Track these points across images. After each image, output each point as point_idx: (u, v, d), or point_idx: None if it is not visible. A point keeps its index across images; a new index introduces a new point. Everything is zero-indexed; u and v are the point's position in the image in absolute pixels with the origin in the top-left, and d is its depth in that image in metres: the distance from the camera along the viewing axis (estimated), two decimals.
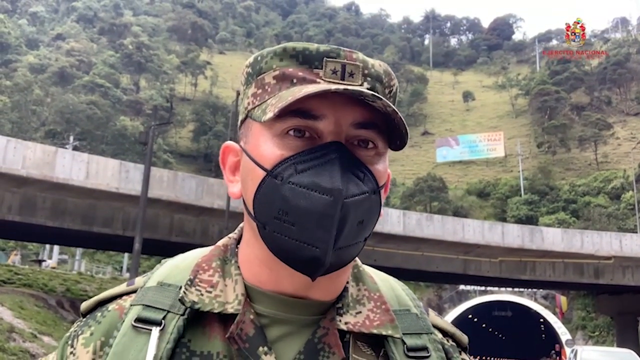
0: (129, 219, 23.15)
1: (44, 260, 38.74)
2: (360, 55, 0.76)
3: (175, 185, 23.71)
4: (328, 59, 0.74)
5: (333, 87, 0.69)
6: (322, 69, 0.74)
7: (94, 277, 29.18)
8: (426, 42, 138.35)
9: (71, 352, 0.78)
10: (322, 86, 0.70)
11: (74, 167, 21.43)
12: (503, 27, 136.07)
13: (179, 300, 0.76)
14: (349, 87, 0.69)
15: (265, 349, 0.73)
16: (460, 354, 0.86)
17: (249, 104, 0.78)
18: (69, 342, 0.80)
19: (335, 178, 0.69)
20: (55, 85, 71.06)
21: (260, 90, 0.77)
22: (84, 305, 0.83)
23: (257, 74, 0.78)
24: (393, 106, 0.71)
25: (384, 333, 0.76)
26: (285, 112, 0.71)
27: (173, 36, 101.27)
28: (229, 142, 0.83)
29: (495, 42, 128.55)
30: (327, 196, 0.68)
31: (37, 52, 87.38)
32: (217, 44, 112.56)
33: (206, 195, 24.11)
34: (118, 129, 62.36)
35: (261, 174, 0.73)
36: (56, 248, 42.36)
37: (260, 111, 0.75)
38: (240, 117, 0.82)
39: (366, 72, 0.75)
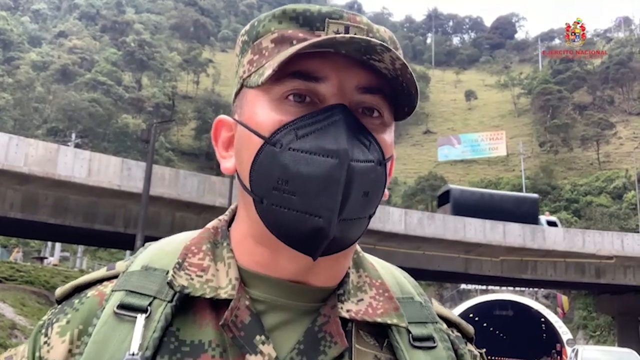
0: (130, 216, 23.19)
1: (46, 258, 38.85)
2: (364, 19, 0.71)
3: (177, 183, 23.73)
4: (331, 20, 0.69)
5: (338, 37, 0.64)
6: (324, 30, 0.68)
7: None
8: (428, 40, 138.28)
9: (45, 342, 0.71)
10: (325, 37, 0.65)
11: (76, 164, 21.46)
12: (505, 26, 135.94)
13: (168, 284, 0.70)
14: (355, 37, 0.64)
15: (263, 337, 0.67)
16: (467, 344, 0.80)
17: (244, 72, 0.72)
18: (43, 330, 0.72)
19: (341, 139, 0.64)
20: (58, 82, 71.13)
21: (257, 56, 0.71)
22: (59, 291, 0.76)
23: (253, 39, 0.72)
24: (402, 59, 0.66)
25: (388, 322, 0.72)
26: (284, 75, 0.66)
27: (175, 34, 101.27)
28: (222, 116, 0.77)
29: (497, 41, 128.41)
30: (331, 158, 0.63)
31: (39, 49, 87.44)
32: (219, 42, 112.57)
33: (208, 193, 24.14)
34: (120, 126, 62.46)
35: (258, 142, 0.68)
36: (58, 245, 42.46)
37: (257, 76, 0.69)
38: (235, 89, 0.75)
39: (371, 35, 0.71)
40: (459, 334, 0.80)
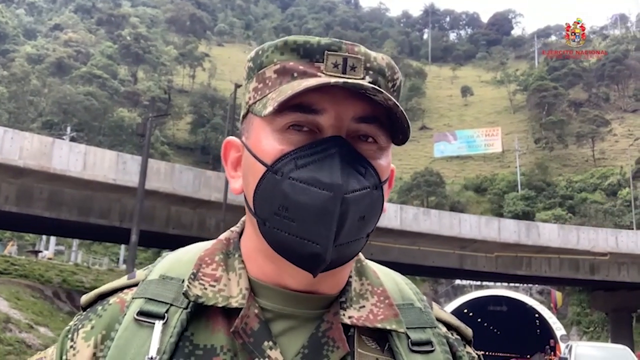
0: (125, 210, 23.14)
1: (41, 251, 38.74)
2: (362, 49, 0.75)
3: (172, 177, 23.69)
4: (329, 52, 0.72)
5: (333, 80, 0.68)
6: (323, 62, 0.72)
7: (91, 269, 29.21)
8: (425, 36, 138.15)
9: (71, 346, 0.76)
10: (321, 80, 0.69)
11: (71, 158, 21.40)
12: (502, 22, 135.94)
13: (183, 294, 0.75)
14: (349, 80, 0.68)
15: (270, 343, 0.72)
16: (465, 347, 0.85)
17: (250, 98, 0.78)
18: (69, 335, 0.78)
19: (335, 173, 0.68)
20: (53, 75, 70.80)
21: (261, 85, 0.76)
22: (84, 299, 0.82)
23: (258, 68, 0.77)
24: (394, 99, 0.70)
25: (388, 328, 0.76)
26: (286, 107, 0.70)
27: (171, 27, 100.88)
28: (231, 138, 0.83)
29: (494, 37, 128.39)
30: (326, 191, 0.67)
31: (34, 42, 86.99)
32: (215, 36, 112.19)
33: (203, 187, 24.11)
34: (115, 120, 62.24)
35: (261, 169, 0.73)
36: (53, 239, 42.35)
37: (261, 106, 0.74)
38: (242, 112, 0.81)
39: (368, 65, 0.74)
40: (458, 337, 0.84)
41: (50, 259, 32.99)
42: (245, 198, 0.78)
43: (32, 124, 56.00)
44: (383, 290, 0.81)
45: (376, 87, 0.69)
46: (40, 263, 25.37)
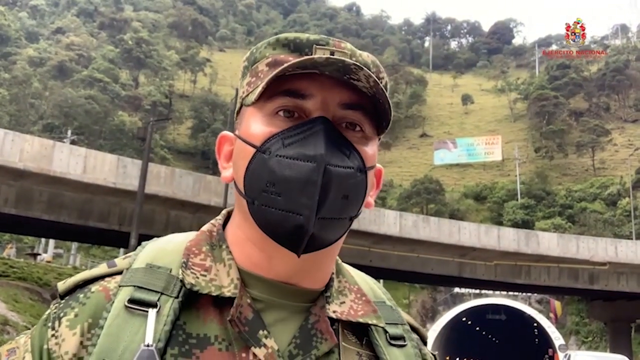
0: (125, 214, 23.13)
1: (39, 254, 38.65)
2: (349, 45, 0.80)
3: (172, 181, 23.70)
4: (317, 46, 0.77)
5: (316, 56, 0.73)
6: (311, 55, 0.77)
7: None
8: (426, 44, 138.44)
9: (53, 335, 0.74)
10: (306, 56, 0.74)
11: (72, 161, 21.40)
12: (503, 31, 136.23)
13: (180, 281, 0.76)
14: (333, 56, 0.73)
15: (265, 332, 0.74)
16: (425, 346, 0.91)
17: (243, 92, 0.82)
18: (49, 324, 0.76)
19: (319, 146, 0.72)
20: (54, 79, 70.90)
21: (254, 79, 0.80)
22: (62, 286, 0.79)
23: (251, 64, 0.82)
24: (374, 76, 0.73)
25: (369, 322, 0.81)
26: (275, 93, 0.75)
27: (173, 32, 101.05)
28: (225, 132, 0.87)
29: (495, 46, 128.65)
30: (310, 162, 0.71)
31: (36, 45, 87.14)
32: (217, 41, 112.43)
33: (203, 192, 24.10)
34: (116, 124, 62.27)
35: (251, 151, 0.76)
36: (52, 242, 42.29)
37: (251, 95, 0.79)
38: (236, 108, 0.85)
39: (353, 59, 0.78)
40: (417, 337, 0.91)
41: (49, 262, 32.94)
42: (235, 184, 0.81)
43: (33, 127, 56.01)
44: (359, 289, 0.86)
45: (358, 63, 0.72)
46: (38, 266, 25.32)
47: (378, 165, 0.84)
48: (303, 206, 0.71)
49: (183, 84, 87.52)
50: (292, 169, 0.72)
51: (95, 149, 34.57)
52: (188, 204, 23.79)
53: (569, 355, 17.91)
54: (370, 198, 0.82)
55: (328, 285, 0.83)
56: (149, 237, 0.82)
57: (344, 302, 0.82)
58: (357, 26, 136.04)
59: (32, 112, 62.25)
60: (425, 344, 0.92)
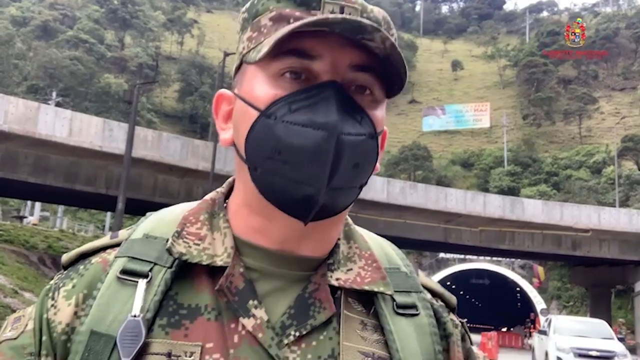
0: (112, 178, 23.03)
1: (26, 217, 38.55)
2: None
3: (159, 145, 23.56)
4: (326, 1, 0.71)
5: (331, 15, 0.67)
6: (320, 10, 0.71)
7: (76, 235, 29.15)
8: (417, 8, 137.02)
9: (52, 305, 0.75)
10: (319, 16, 0.69)
11: (57, 123, 21.18)
12: None
13: (167, 250, 0.74)
14: (348, 17, 0.67)
15: (255, 302, 0.72)
16: (449, 314, 0.85)
17: (244, 48, 0.76)
18: (50, 294, 0.76)
19: (331, 113, 0.67)
20: (38, 39, 69.50)
21: (256, 33, 0.74)
22: (65, 258, 0.80)
23: (252, 17, 0.76)
24: (392, 39, 0.69)
25: (375, 290, 0.77)
26: (280, 52, 0.69)
27: None
28: (223, 90, 0.81)
29: (486, 11, 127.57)
30: (321, 131, 0.67)
31: (19, 4, 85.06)
32: (204, 2, 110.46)
33: (191, 156, 24.02)
34: (102, 86, 61.39)
35: (254, 114, 0.72)
36: (38, 205, 42.13)
37: (255, 53, 0.72)
38: (235, 64, 0.79)
39: (365, 15, 0.73)
40: (442, 304, 0.85)
41: (35, 224, 32.86)
42: (235, 148, 0.77)
43: (17, 88, 55.14)
44: (371, 254, 0.81)
45: (374, 24, 0.67)
46: (25, 229, 25.25)
47: (385, 128, 0.81)
48: (314, 176, 0.67)
49: (170, 45, 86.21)
50: (301, 136, 0.67)
51: (81, 111, 34.15)
52: (176, 168, 23.72)
53: (550, 319, 18.35)
54: (377, 163, 0.77)
55: (333, 252, 0.78)
56: (136, 201, 0.82)
57: (351, 269, 0.78)
58: None
59: (15, 73, 61.17)
60: (453, 310, 0.86)
